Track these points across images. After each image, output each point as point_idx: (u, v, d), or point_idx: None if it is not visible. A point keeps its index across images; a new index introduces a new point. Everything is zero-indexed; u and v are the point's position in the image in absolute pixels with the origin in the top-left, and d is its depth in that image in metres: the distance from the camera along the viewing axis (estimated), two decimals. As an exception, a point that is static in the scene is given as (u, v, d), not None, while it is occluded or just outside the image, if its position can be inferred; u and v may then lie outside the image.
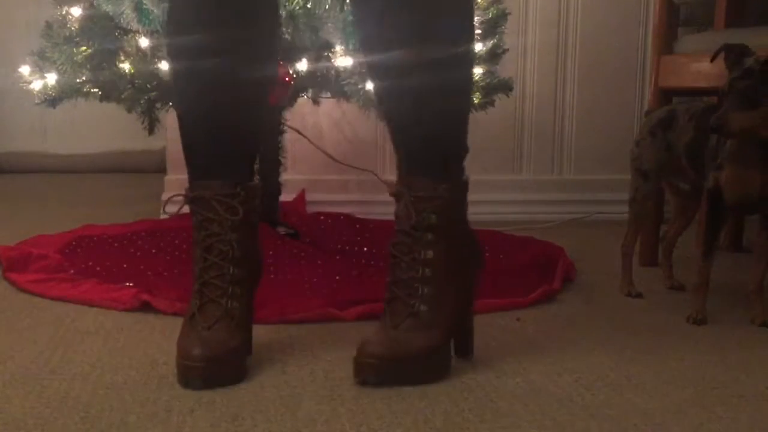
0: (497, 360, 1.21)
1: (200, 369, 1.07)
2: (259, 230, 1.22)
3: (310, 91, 1.78)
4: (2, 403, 1.02)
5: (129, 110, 1.76)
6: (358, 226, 2.07)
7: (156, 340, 1.29)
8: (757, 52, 1.37)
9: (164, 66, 1.61)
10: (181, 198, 1.18)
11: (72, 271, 1.66)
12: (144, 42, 1.63)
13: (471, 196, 1.18)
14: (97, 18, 1.67)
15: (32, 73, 1.79)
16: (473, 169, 1.19)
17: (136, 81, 1.66)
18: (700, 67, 1.76)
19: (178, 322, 1.16)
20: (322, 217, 2.12)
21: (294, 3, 1.60)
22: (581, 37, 2.59)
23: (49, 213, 2.62)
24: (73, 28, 1.71)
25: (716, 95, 1.46)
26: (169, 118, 2.01)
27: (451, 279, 1.15)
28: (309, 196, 2.39)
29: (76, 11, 1.71)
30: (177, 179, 2.39)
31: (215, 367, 1.08)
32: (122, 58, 1.65)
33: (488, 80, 1.81)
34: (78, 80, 1.71)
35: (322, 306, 1.43)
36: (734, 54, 1.39)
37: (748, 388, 1.13)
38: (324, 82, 1.70)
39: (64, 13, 1.73)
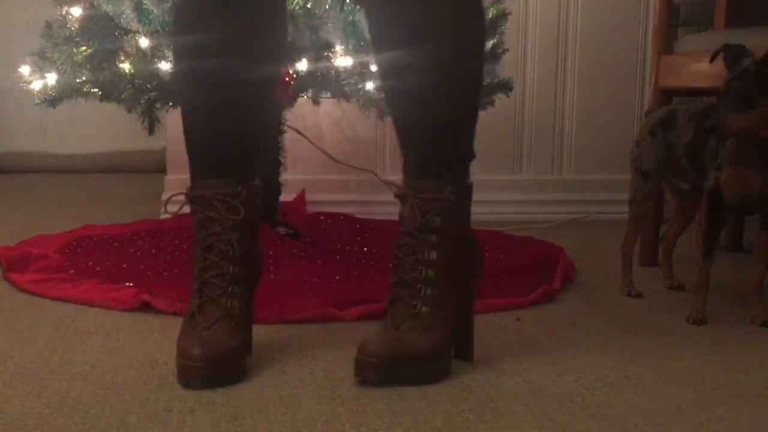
0: (497, 360, 1.21)
1: (200, 369, 1.07)
2: (259, 230, 1.21)
3: (310, 91, 1.77)
4: (2, 403, 1.02)
5: (129, 110, 1.76)
6: (358, 226, 2.07)
7: (156, 340, 1.29)
8: (755, 52, 1.37)
9: (164, 66, 1.61)
10: (181, 198, 1.18)
11: (72, 271, 1.66)
12: (144, 42, 1.63)
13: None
14: (97, 18, 1.67)
15: (32, 73, 1.79)
16: (473, 169, 1.19)
17: (136, 81, 1.66)
18: (700, 67, 1.76)
19: (178, 322, 1.16)
20: (322, 217, 2.12)
21: (294, 3, 1.60)
22: (581, 37, 2.59)
23: (49, 213, 2.62)
24: (73, 28, 1.71)
25: (716, 95, 1.46)
26: (169, 118, 2.01)
27: (453, 281, 1.15)
28: (309, 196, 2.38)
29: (76, 11, 1.71)
30: (177, 179, 2.39)
31: (215, 366, 1.08)
32: (122, 58, 1.65)
33: (488, 80, 1.81)
34: (78, 80, 1.71)
35: (322, 306, 1.43)
36: (733, 54, 1.39)
37: (748, 388, 1.13)
38: (324, 82, 1.69)
39: (64, 13, 1.73)
